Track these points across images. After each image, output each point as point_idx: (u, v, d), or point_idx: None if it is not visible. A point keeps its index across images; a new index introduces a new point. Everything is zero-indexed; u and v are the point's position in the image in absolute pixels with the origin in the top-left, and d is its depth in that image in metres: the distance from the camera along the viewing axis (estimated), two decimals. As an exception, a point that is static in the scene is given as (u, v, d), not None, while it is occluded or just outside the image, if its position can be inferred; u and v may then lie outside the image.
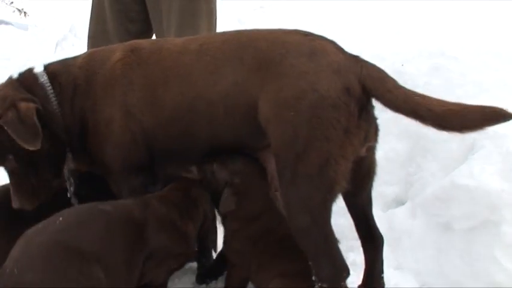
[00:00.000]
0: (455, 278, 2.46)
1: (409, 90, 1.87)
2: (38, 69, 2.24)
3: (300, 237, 1.88)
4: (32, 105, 2.08)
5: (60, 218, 1.86)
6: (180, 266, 2.21)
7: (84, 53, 2.33)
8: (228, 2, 5.23)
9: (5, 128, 2.03)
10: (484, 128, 1.78)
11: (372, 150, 2.03)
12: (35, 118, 2.04)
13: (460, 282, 2.43)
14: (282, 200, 1.92)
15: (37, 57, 7.96)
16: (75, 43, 7.94)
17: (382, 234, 2.67)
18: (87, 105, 2.15)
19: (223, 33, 2.23)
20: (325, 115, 1.79)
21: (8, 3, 16.97)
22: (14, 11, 17.22)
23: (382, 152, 2.93)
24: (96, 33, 3.07)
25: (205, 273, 2.45)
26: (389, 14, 4.51)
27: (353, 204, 2.11)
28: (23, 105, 2.07)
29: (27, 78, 2.21)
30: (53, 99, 2.17)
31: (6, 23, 13.47)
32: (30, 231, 1.84)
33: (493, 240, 2.35)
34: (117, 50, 2.20)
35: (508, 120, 1.74)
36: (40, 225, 1.86)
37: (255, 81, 1.90)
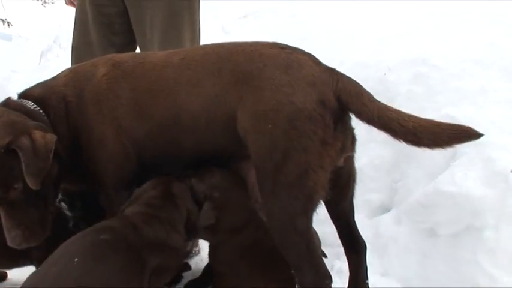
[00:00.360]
0: (440, 282, 2.48)
1: (383, 105, 1.90)
2: (15, 97, 2.19)
3: (282, 246, 1.90)
4: (50, 136, 1.96)
5: (75, 259, 1.77)
6: (178, 271, 2.26)
7: (64, 71, 2.31)
8: (211, 11, 5.25)
9: (19, 154, 1.87)
10: (453, 146, 1.85)
11: (350, 160, 2.07)
12: (51, 153, 1.92)
13: (445, 286, 2.44)
14: (263, 210, 1.95)
15: (21, 68, 7.91)
16: (59, 54, 7.91)
17: (368, 241, 2.69)
18: (80, 123, 2.15)
19: (204, 47, 2.26)
20: (302, 127, 1.82)
21: (-8, 13, 16.86)
22: (-3, 22, 17.12)
23: (367, 159, 2.98)
24: (80, 45, 3.07)
25: (191, 285, 2.45)
26: (371, 23, 4.57)
27: (335, 213, 2.13)
28: (38, 134, 1.93)
29: (16, 106, 2.10)
30: (49, 124, 2.11)
31: (-10, 34, 13.39)
32: (47, 277, 1.75)
33: (476, 245, 2.38)
34: (99, 64, 2.21)
35: (476, 139, 1.82)
36: (54, 269, 1.77)
37: (234, 94, 1.93)
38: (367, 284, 2.28)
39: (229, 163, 2.19)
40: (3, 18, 17.01)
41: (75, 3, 3.17)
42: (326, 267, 1.94)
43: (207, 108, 1.98)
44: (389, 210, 2.85)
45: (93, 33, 3.01)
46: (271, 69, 1.89)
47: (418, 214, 2.63)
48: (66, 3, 3.34)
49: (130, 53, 2.36)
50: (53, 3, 18.22)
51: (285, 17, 5.43)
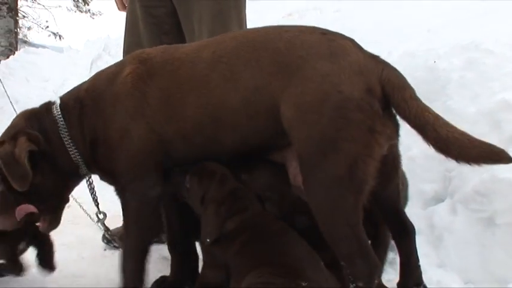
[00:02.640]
0: (500, 273, 2.42)
1: (423, 105, 1.86)
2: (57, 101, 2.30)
3: (331, 238, 1.87)
4: (22, 142, 2.09)
5: None
6: None
7: (96, 74, 2.33)
8: (256, 10, 5.30)
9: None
10: (480, 165, 1.83)
11: (395, 146, 2.04)
12: (25, 160, 2.06)
13: (506, 277, 2.38)
14: (310, 202, 1.90)
15: (73, 77, 8.22)
16: (109, 61, 8.14)
17: (423, 232, 2.66)
18: (97, 123, 2.14)
19: (234, 35, 2.17)
20: (351, 116, 1.79)
21: (44, 27, 17.59)
22: (49, 35, 17.85)
23: (419, 149, 2.92)
24: (131, 47, 3.13)
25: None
26: (419, 14, 4.49)
27: (382, 199, 2.08)
28: (21, 140, 2.09)
29: (43, 109, 2.26)
30: (63, 130, 2.18)
31: (43, 47, 13.95)
32: None
33: (538, 233, 2.31)
34: (127, 62, 2.18)
35: (507, 163, 1.79)
36: None
37: (276, 85, 1.89)
38: (420, 270, 2.24)
39: (267, 155, 2.14)
40: (55, 32, 17.70)
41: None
42: (376, 258, 1.91)
43: (247, 102, 1.93)
44: (443, 200, 2.78)
45: (144, 34, 3.09)
46: (315, 58, 1.85)
47: (474, 203, 2.56)
48: (119, 9, 3.43)
49: (160, 47, 2.26)
50: (100, 14, 18.81)
51: (329, 13, 5.41)
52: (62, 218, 3.84)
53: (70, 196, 3.16)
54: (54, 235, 3.28)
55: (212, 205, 2.04)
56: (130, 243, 2.16)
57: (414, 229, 2.20)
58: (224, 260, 1.99)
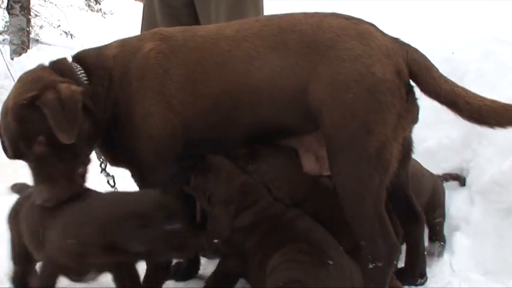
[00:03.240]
0: (518, 264, 2.40)
1: (450, 81, 1.91)
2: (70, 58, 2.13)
3: (355, 217, 1.89)
4: (76, 88, 1.91)
5: None
6: None
7: (115, 42, 2.18)
8: (272, 2, 5.31)
9: (44, 110, 1.83)
10: None
11: (410, 131, 2.08)
12: (79, 104, 1.89)
13: (524, 268, 2.37)
14: (336, 182, 1.92)
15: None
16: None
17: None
18: (122, 98, 2.05)
19: (258, 19, 2.18)
20: (383, 98, 1.82)
21: (55, 26, 17.69)
22: (60, 34, 17.94)
23: (436, 140, 2.93)
24: (148, 39, 3.16)
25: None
26: (437, 4, 4.48)
27: (393, 184, 2.05)
28: (64, 87, 1.89)
29: (59, 65, 2.07)
30: (88, 87, 2.02)
31: (54, 46, 14.04)
32: None
33: (556, 224, 2.30)
34: (146, 39, 2.11)
35: None
36: None
37: (305, 65, 1.90)
38: (425, 258, 2.29)
39: (282, 140, 2.13)
40: (67, 31, 17.78)
41: (144, -2, 3.29)
42: (396, 239, 1.93)
43: (271, 82, 1.93)
44: (461, 191, 2.77)
45: (161, 25, 3.10)
46: (346, 39, 1.87)
47: (492, 193, 2.55)
48: None
49: (179, 27, 2.22)
50: (112, 14, 18.88)
51: (350, 4, 5.40)
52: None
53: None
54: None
55: (220, 205, 2.04)
56: None
57: (423, 218, 2.22)
58: (243, 251, 2.00)
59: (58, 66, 2.06)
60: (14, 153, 1.92)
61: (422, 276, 2.27)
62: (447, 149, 2.88)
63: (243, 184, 2.08)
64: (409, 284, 2.25)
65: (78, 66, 2.06)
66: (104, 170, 2.29)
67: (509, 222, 2.50)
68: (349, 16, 2.00)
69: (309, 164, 2.17)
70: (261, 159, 2.16)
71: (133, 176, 2.16)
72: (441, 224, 2.59)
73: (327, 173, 2.07)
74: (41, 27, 17.42)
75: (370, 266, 1.87)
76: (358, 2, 5.47)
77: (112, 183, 2.30)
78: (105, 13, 18.91)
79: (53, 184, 1.89)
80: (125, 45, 2.13)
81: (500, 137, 2.66)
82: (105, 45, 2.19)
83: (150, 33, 2.18)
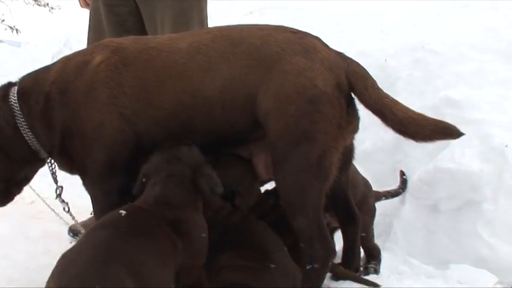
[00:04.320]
0: (443, 255, 2.62)
1: (383, 93, 2.02)
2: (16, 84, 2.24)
3: (296, 222, 2.00)
4: None
5: None
6: None
7: (57, 63, 2.25)
8: (217, 8, 5.38)
9: None
10: (434, 141, 2.00)
11: (352, 139, 2.19)
12: None
13: (448, 259, 2.58)
14: (279, 187, 2.03)
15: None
16: (70, 57, 8.02)
17: (376, 220, 2.84)
18: (67, 115, 2.11)
19: (210, 30, 2.26)
20: (324, 110, 1.92)
21: (0, 21, 17.07)
22: (5, 29, 17.33)
23: (371, 142, 3.12)
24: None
25: None
26: (374, 15, 4.68)
27: (334, 188, 2.15)
28: None
29: (2, 91, 2.21)
30: (20, 119, 2.16)
31: (0, 41, 13.55)
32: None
33: (476, 218, 2.52)
34: (95, 52, 2.15)
35: (457, 137, 2.00)
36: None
37: (254, 77, 1.98)
38: (360, 254, 2.45)
39: (235, 147, 2.20)
40: (12, 26, 17.19)
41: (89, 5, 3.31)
42: (333, 243, 2.08)
43: (223, 91, 2.01)
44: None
45: (107, 32, 3.14)
46: (290, 53, 1.97)
47: (420, 192, 2.77)
48: (81, 6, 3.46)
49: (129, 38, 2.26)
50: (60, 9, 18.37)
51: (290, 11, 5.53)
52: (27, 213, 3.88)
53: (34, 191, 3.21)
54: (19, 229, 3.32)
55: None
56: None
57: (360, 218, 2.37)
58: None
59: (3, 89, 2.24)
60: None
61: (357, 270, 2.44)
62: (381, 150, 3.08)
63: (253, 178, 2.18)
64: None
65: (15, 96, 2.18)
66: (59, 196, 2.46)
67: (435, 218, 2.71)
68: (296, 30, 2.10)
69: (259, 171, 2.26)
70: (223, 166, 2.20)
71: (84, 184, 2.21)
72: (371, 245, 2.60)
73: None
74: (-16, 22, 16.79)
75: (308, 267, 1.99)
76: (305, 5, 5.60)
77: (67, 209, 2.48)
78: (52, 8, 18.38)
79: None
80: (66, 66, 2.19)
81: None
82: (48, 67, 2.28)
83: (100, 45, 2.22)
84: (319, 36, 2.13)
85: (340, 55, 2.05)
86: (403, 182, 2.89)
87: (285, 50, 1.98)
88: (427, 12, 4.18)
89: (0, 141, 2.19)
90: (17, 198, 4.45)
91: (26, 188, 3.54)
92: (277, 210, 2.24)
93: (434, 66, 3.08)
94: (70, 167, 2.28)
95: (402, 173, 2.91)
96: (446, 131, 1.99)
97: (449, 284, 2.35)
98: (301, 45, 2.00)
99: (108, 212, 1.97)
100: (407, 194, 2.84)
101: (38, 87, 2.18)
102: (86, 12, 3.43)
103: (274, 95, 1.95)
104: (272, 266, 1.93)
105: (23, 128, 2.17)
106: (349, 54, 3.31)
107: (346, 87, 1.98)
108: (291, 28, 2.12)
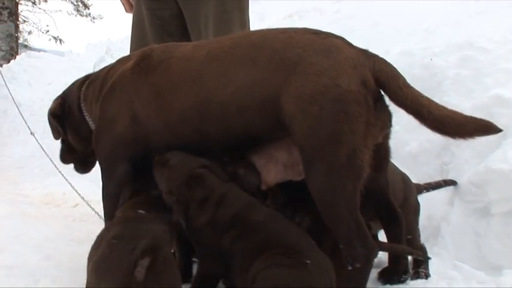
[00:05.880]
0: (494, 261, 2.52)
1: (416, 91, 1.97)
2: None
3: (331, 222, 1.97)
4: (53, 107, 2.68)
5: None
6: None
7: (115, 62, 2.58)
8: (257, 11, 5.39)
9: None
10: (474, 137, 1.96)
11: (387, 136, 2.14)
12: (51, 118, 2.68)
13: (499, 265, 2.48)
14: (311, 189, 1.98)
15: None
16: (112, 64, 8.19)
17: (421, 223, 2.76)
18: (97, 106, 2.42)
19: (231, 37, 2.30)
20: (349, 108, 1.89)
21: (44, 32, 17.67)
22: (50, 39, 17.93)
23: (417, 143, 3.04)
24: (138, 48, 3.23)
25: None
26: (416, 14, 4.59)
27: (373, 188, 2.13)
28: (55, 102, 2.71)
29: (80, 82, 2.67)
30: (82, 102, 2.58)
31: (44, 51, 14.01)
32: None
33: (530, 222, 2.41)
34: (132, 58, 2.40)
35: (496, 133, 1.95)
36: None
37: (275, 81, 1.99)
38: (407, 258, 2.37)
39: (255, 148, 2.19)
40: (56, 36, 17.76)
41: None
42: (373, 241, 2.01)
43: (240, 96, 2.03)
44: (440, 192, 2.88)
45: (150, 36, 3.18)
46: (312, 54, 1.96)
47: (470, 194, 2.67)
48: (127, 11, 3.53)
49: (163, 45, 2.45)
50: (101, 18, 18.87)
51: (329, 14, 5.50)
52: (71, 216, 3.95)
53: (78, 195, 3.30)
54: (63, 231, 3.39)
55: (166, 196, 2.13)
56: (104, 210, 2.37)
57: (403, 219, 2.29)
58: (220, 252, 2.01)
59: (79, 83, 2.67)
60: None
61: (406, 272, 2.36)
62: (428, 152, 2.99)
63: (190, 177, 2.09)
64: (395, 281, 2.33)
65: (84, 86, 2.62)
66: None
67: (486, 221, 2.60)
68: (317, 31, 2.09)
69: (279, 172, 2.22)
70: (248, 166, 2.22)
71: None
72: (418, 246, 2.50)
73: (297, 178, 2.16)
74: (29, 32, 17.41)
75: (350, 268, 1.94)
76: (342, 7, 5.56)
77: None
78: (94, 18, 18.89)
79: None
80: (114, 66, 2.52)
81: (477, 140, 2.75)
82: (111, 64, 2.60)
83: (138, 52, 2.44)
84: (359, 37, 2.10)
85: (365, 53, 2.01)
86: (451, 181, 2.80)
87: (306, 51, 1.97)
88: (470, 11, 4.06)
89: (72, 119, 2.65)
90: (61, 201, 4.65)
91: (70, 192, 3.65)
92: (311, 216, 2.19)
93: (484, 64, 2.98)
94: None
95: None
96: (485, 128, 1.94)
97: (503, 291, 2.25)
98: (323, 45, 1.98)
99: (112, 199, 2.29)
100: (456, 196, 2.75)
101: (95, 80, 2.56)
102: (126, 21, 3.50)
103: (297, 97, 1.94)
104: (308, 262, 1.86)
105: (84, 111, 2.57)
106: (391, 54, 3.28)
107: (373, 84, 1.94)
108: (314, 29, 2.10)
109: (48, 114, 2.72)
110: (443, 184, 2.79)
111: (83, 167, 2.90)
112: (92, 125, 2.52)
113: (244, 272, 1.91)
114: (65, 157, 2.89)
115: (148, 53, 2.34)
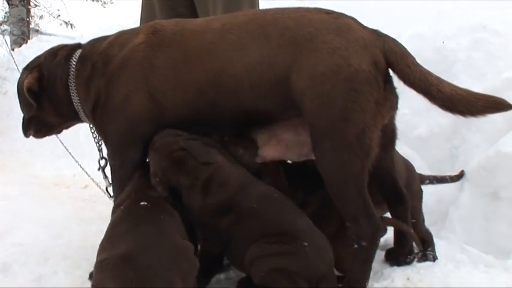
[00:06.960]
0: (503, 245, 2.51)
1: (425, 70, 1.96)
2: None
3: (339, 200, 1.98)
4: (29, 81, 2.39)
5: None
6: None
7: (113, 35, 2.39)
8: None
9: None
10: (485, 115, 1.92)
11: (393, 118, 2.14)
12: (26, 93, 2.39)
13: (508, 249, 2.48)
14: (320, 167, 1.99)
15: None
16: (122, 48, 8.18)
17: (430, 207, 2.75)
18: (102, 85, 2.24)
19: (246, 13, 2.29)
20: (360, 88, 1.90)
21: (56, 16, 17.68)
22: (61, 24, 17.93)
23: (427, 127, 3.02)
24: (147, 29, 3.22)
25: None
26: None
27: (378, 169, 2.11)
28: (31, 76, 2.41)
29: (65, 54, 2.42)
30: (72, 80, 2.35)
31: (55, 36, 14.03)
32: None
33: (540, 206, 2.40)
34: (140, 32, 2.28)
35: (508, 110, 1.89)
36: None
37: (285, 57, 1.99)
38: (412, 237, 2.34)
39: (265, 124, 2.17)
40: (67, 21, 17.75)
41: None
42: (380, 220, 2.02)
43: (252, 70, 2.03)
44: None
45: (160, 17, 3.16)
46: (325, 32, 1.96)
47: (479, 178, 2.65)
48: None
49: (172, 20, 2.35)
50: (112, 3, 18.83)
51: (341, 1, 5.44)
52: (81, 197, 3.99)
53: (88, 176, 3.31)
54: (74, 212, 3.43)
55: (152, 176, 2.09)
56: (115, 194, 2.28)
57: (408, 199, 2.29)
58: (220, 233, 2.02)
59: (68, 52, 2.43)
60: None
61: (411, 253, 2.36)
62: (438, 135, 2.97)
63: (169, 160, 2.08)
64: (400, 262, 2.32)
65: (77, 53, 2.39)
66: (102, 169, 2.54)
67: (495, 205, 2.59)
68: (330, 11, 2.08)
69: (278, 151, 2.22)
70: (251, 146, 2.21)
71: (107, 154, 2.34)
72: (423, 230, 2.49)
73: (294, 159, 2.18)
74: (40, 17, 17.41)
75: (356, 246, 1.96)
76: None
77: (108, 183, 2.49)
78: (105, 2, 18.83)
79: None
80: (115, 40, 2.33)
81: (488, 124, 2.75)
82: (103, 36, 2.43)
83: (146, 26, 2.33)
84: (371, 20, 2.08)
85: (376, 33, 2.01)
86: (459, 175, 2.78)
87: (318, 29, 1.97)
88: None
89: (52, 96, 2.41)
90: (71, 183, 4.69)
91: (80, 173, 3.66)
92: (318, 197, 2.20)
93: (496, 47, 2.94)
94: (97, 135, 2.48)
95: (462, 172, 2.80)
96: (496, 105, 1.91)
97: (510, 274, 2.24)
98: (335, 24, 1.98)
99: (124, 183, 2.15)
100: (466, 180, 2.72)
101: (90, 55, 2.35)
102: (137, 6, 3.48)
103: (309, 75, 1.94)
104: (305, 244, 1.87)
105: (71, 89, 2.37)
106: (403, 37, 3.25)
107: (383, 65, 1.94)
108: (326, 9, 2.09)
109: (20, 88, 2.45)
110: (448, 180, 2.76)
111: (42, 135, 2.68)
112: (77, 105, 2.37)
113: (241, 255, 1.94)
114: (30, 132, 2.63)
115: (159, 26, 2.26)
